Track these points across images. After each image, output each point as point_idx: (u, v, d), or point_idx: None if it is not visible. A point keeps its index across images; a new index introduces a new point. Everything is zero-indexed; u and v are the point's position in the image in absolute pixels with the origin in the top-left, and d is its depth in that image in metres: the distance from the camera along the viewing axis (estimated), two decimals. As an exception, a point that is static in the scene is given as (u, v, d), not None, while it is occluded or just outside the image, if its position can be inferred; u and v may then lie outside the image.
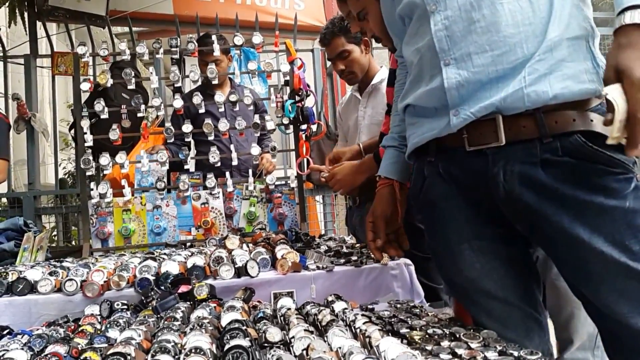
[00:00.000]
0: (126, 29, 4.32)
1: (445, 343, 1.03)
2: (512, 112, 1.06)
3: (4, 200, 4.22)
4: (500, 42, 1.07)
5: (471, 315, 1.22)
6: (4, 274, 1.62)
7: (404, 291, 1.67)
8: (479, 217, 1.17)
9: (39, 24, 3.87)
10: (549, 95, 1.03)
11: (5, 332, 1.41)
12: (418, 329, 1.15)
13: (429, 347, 1.00)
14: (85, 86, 2.65)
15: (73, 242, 4.12)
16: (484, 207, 1.16)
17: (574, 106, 1.04)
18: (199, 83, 2.89)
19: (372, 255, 1.62)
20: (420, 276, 1.72)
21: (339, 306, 1.38)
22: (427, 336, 1.08)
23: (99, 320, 1.40)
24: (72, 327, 1.36)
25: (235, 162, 2.69)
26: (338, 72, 2.64)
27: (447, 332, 1.11)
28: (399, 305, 1.45)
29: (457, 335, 1.07)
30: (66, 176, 5.63)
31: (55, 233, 3.92)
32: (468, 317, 1.27)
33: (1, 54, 3.58)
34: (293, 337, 1.11)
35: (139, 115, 2.73)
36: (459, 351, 0.96)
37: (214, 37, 2.90)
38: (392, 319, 1.24)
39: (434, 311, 1.35)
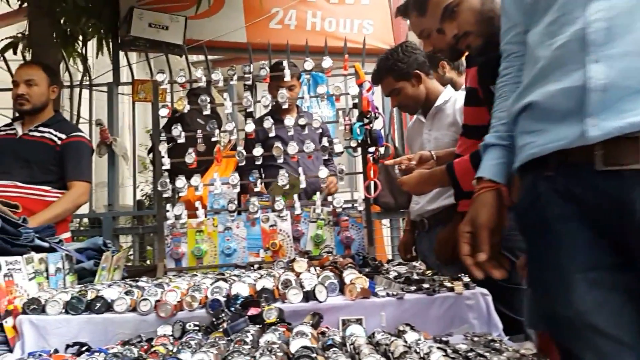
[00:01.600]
0: (201, 57, 4.51)
1: (529, 382, 0.95)
2: None
3: (85, 220, 4.47)
4: None
5: (574, 354, 1.07)
6: (84, 292, 1.69)
7: (480, 323, 1.59)
8: (599, 244, 1.04)
9: (121, 53, 4.13)
10: None
11: (84, 349, 1.46)
12: (498, 364, 1.08)
13: (511, 386, 0.93)
14: (163, 112, 2.76)
15: (148, 262, 4.28)
16: (607, 234, 1.03)
17: None
18: (269, 108, 2.94)
19: (469, 270, 1.27)
20: (501, 306, 1.62)
21: (411, 337, 1.33)
22: (508, 373, 1.01)
23: (171, 342, 1.41)
24: (145, 347, 1.39)
25: (303, 185, 2.69)
26: (394, 106, 2.65)
27: (531, 370, 1.03)
28: (476, 339, 1.37)
29: (542, 374, 0.99)
30: (143, 198, 5.90)
31: (131, 252, 4.09)
32: (554, 353, 1.17)
33: (87, 83, 3.83)
34: (364, 368, 1.07)
35: (213, 139, 2.81)
36: (546, 392, 0.89)
37: (285, 64, 2.96)
38: (469, 353, 1.17)
39: (514, 346, 1.27)
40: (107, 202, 3.87)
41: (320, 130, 2.88)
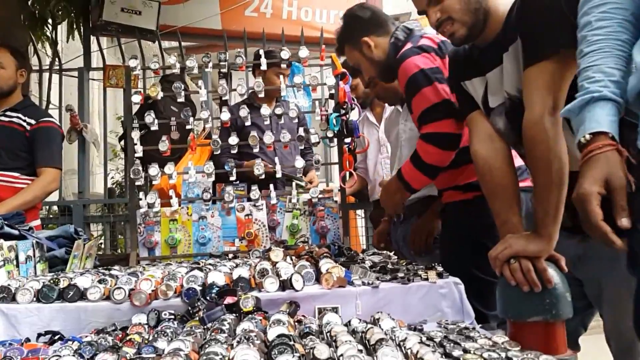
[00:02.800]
0: (174, 44, 4.43)
1: (502, 368, 0.98)
2: None
3: (54, 208, 4.37)
4: None
5: None
6: (56, 280, 1.66)
7: (453, 311, 1.62)
8: None
9: (92, 38, 4.03)
10: None
11: (57, 337, 1.44)
12: (472, 352, 1.10)
13: (485, 372, 0.95)
14: (136, 98, 2.71)
15: (119, 250, 4.22)
16: None
17: None
18: (245, 96, 2.92)
19: (605, 239, 1.05)
20: (473, 300, 1.65)
21: (386, 324, 1.35)
22: (482, 360, 1.04)
23: (147, 330, 1.40)
24: (120, 336, 1.37)
25: (279, 175, 2.68)
26: (374, 97, 2.68)
27: (504, 356, 1.06)
28: (449, 326, 1.40)
29: (515, 360, 1.02)
30: (114, 186, 5.80)
31: (102, 241, 4.02)
32: (525, 341, 1.21)
33: (57, 67, 3.73)
34: (342, 354, 1.08)
35: (187, 127, 2.78)
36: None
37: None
38: (444, 341, 1.20)
39: (487, 334, 1.30)
40: (76, 190, 3.79)
41: (296, 120, 2.88)
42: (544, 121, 1.37)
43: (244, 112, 2.69)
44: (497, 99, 1.64)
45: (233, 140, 2.68)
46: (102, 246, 3.98)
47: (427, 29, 2.07)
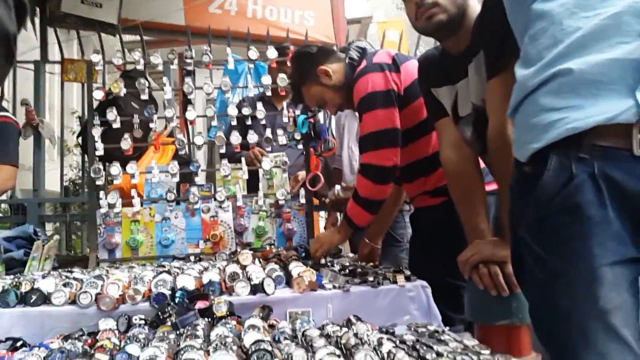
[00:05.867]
0: (134, 37, 4.33)
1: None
2: None
3: (3, 206, 4.18)
4: None
5: (574, 351, 1.01)
6: (18, 284, 1.60)
7: (421, 314, 1.66)
8: (626, 235, 0.99)
9: (50, 30, 3.88)
10: None
11: (19, 344, 1.39)
12: (445, 355, 1.14)
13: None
14: (98, 95, 2.65)
15: (74, 251, 4.08)
16: (637, 225, 0.99)
17: None
18: (213, 95, 2.88)
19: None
20: (441, 303, 1.70)
21: (360, 328, 1.37)
22: (456, 363, 1.07)
23: (117, 335, 1.37)
24: (90, 342, 1.34)
25: (245, 176, 2.67)
26: (334, 114, 2.69)
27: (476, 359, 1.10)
28: (419, 329, 1.44)
29: (488, 364, 1.06)
30: (68, 183, 5.59)
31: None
32: (492, 343, 1.26)
33: (11, 59, 3.57)
34: (320, 359, 1.10)
35: (151, 125, 2.72)
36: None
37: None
38: (416, 344, 1.23)
39: (457, 337, 1.34)
40: (25, 187, 3.64)
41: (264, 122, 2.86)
42: (506, 131, 1.40)
43: (210, 111, 2.68)
44: (465, 109, 1.69)
45: (199, 140, 2.67)
46: (59, 246, 3.84)
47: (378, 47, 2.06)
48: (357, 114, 3.13)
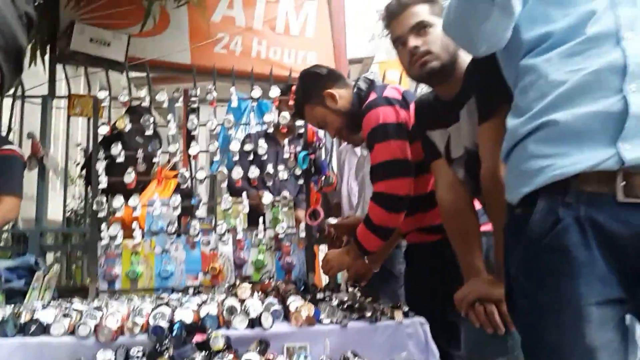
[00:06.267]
0: (140, 74, 4.42)
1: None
2: None
3: (5, 235, 4.19)
4: None
5: None
6: (18, 313, 1.61)
7: (418, 351, 1.67)
8: (610, 276, 1.04)
9: (58, 66, 3.98)
10: None
11: (17, 375, 1.40)
12: (440, 391, 1.15)
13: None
14: (103, 130, 2.71)
15: (73, 280, 4.07)
16: (622, 265, 1.04)
17: None
18: (217, 131, 2.95)
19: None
20: (438, 339, 1.70)
21: (356, 363, 1.38)
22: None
23: (115, 367, 1.38)
24: (88, 373, 1.35)
25: (246, 210, 2.70)
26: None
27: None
28: (416, 365, 1.44)
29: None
30: (69, 214, 5.62)
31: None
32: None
33: (20, 94, 3.65)
34: (316, 393, 1.11)
35: (154, 160, 2.78)
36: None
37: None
38: (413, 379, 1.24)
39: (452, 373, 1.35)
40: (27, 216, 3.66)
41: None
42: (498, 173, 1.44)
43: (212, 147, 2.74)
44: (457, 151, 1.75)
45: (201, 174, 2.71)
46: (59, 276, 3.83)
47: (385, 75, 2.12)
48: (357, 149, 3.23)
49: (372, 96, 2.08)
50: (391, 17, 1.73)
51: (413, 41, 1.66)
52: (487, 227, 1.73)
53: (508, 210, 1.20)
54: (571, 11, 1.12)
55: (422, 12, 1.68)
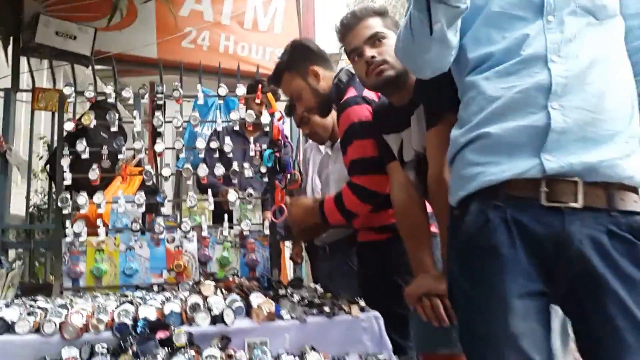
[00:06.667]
0: (106, 67, 4.39)
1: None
2: (595, 178, 1.15)
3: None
4: (604, 111, 1.16)
5: None
6: (-19, 312, 1.63)
7: (373, 344, 1.75)
8: (534, 272, 1.18)
9: (22, 59, 3.92)
10: (628, 174, 1.16)
11: (-19, 373, 1.43)
12: (388, 382, 1.24)
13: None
14: (69, 126, 2.70)
15: (36, 278, 4.03)
16: (543, 262, 1.17)
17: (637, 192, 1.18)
18: (181, 129, 2.97)
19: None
20: (392, 332, 1.80)
21: (312, 357, 1.45)
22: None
23: (80, 364, 1.42)
24: (52, 370, 1.39)
25: (212, 207, 2.74)
26: (305, 134, 2.79)
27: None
28: (369, 358, 1.53)
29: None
30: (32, 209, 5.53)
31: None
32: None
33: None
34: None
35: (120, 156, 2.79)
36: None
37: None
38: (365, 372, 1.32)
39: (402, 365, 1.44)
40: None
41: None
42: (442, 176, 1.54)
43: (178, 144, 2.76)
44: (409, 155, 1.86)
45: (166, 171, 2.73)
46: (21, 273, 3.79)
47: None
48: (321, 147, 3.30)
49: (351, 92, 2.13)
50: (347, 30, 1.81)
51: (369, 51, 1.75)
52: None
53: (449, 211, 1.33)
54: (509, 35, 1.25)
55: (376, 24, 1.77)
